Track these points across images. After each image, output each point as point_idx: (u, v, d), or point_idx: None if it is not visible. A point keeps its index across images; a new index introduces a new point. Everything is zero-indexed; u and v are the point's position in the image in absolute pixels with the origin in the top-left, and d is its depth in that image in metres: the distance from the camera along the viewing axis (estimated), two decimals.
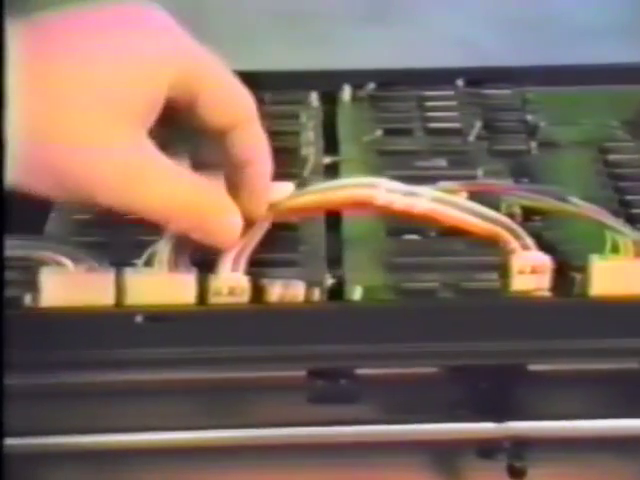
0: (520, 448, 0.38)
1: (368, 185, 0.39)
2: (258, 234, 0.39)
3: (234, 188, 0.37)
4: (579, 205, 0.40)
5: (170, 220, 0.36)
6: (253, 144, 0.37)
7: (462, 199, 0.39)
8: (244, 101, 0.37)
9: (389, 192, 0.39)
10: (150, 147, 0.35)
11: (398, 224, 0.41)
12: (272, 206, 0.39)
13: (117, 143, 0.34)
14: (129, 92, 0.34)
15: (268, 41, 0.38)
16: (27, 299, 0.37)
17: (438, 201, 0.39)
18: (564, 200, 0.40)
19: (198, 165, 0.37)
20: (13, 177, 0.33)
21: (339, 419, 0.38)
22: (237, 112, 0.36)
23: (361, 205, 0.39)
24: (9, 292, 0.37)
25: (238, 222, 0.37)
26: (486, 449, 0.38)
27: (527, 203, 0.41)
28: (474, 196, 0.40)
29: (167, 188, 0.35)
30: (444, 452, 0.39)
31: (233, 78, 0.36)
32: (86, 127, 0.34)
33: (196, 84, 0.35)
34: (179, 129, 0.37)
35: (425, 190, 0.39)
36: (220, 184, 0.37)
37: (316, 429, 0.38)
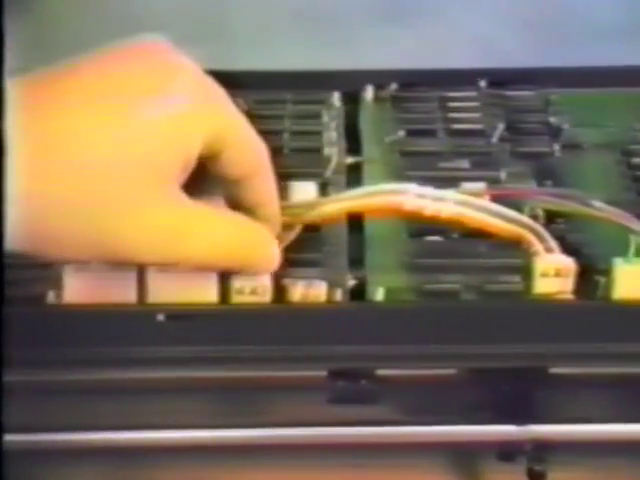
0: (540, 451, 0.38)
1: (397, 192, 0.39)
2: (286, 239, 0.39)
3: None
4: (602, 209, 0.40)
5: (217, 265, 0.36)
6: (266, 189, 0.38)
7: (486, 201, 0.39)
8: (260, 151, 0.37)
9: (418, 198, 0.39)
10: (186, 201, 0.35)
11: (420, 225, 0.41)
12: (298, 215, 0.39)
13: (156, 205, 0.34)
14: (163, 151, 0.33)
15: (290, 41, 0.38)
16: (50, 296, 0.38)
17: (464, 204, 0.39)
18: (587, 204, 0.40)
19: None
20: (43, 248, 0.33)
21: (359, 420, 0.38)
22: (255, 163, 0.37)
23: (390, 212, 0.39)
24: (33, 289, 0.38)
25: (277, 252, 0.37)
26: (506, 452, 0.38)
27: (550, 207, 0.40)
28: (497, 200, 0.40)
29: (210, 237, 0.35)
30: (464, 454, 0.39)
31: (250, 129, 0.37)
32: (122, 192, 0.33)
33: (222, 141, 0.35)
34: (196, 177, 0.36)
35: (451, 194, 0.39)
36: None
37: (336, 429, 0.38)
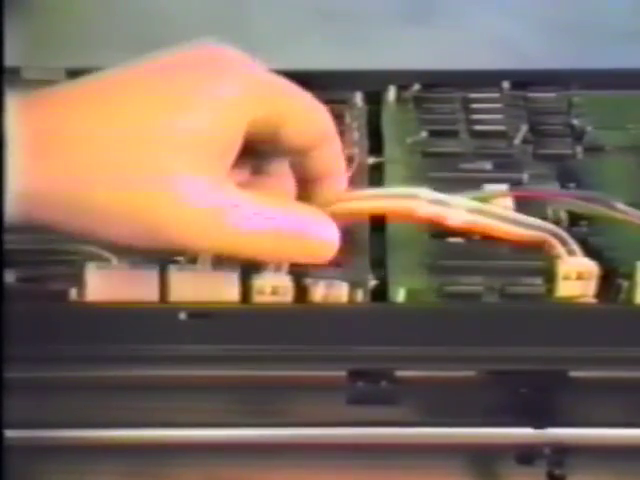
0: (560, 455, 0.38)
1: (410, 196, 0.38)
2: None
3: (306, 199, 0.37)
4: (625, 211, 0.39)
5: (274, 253, 0.36)
6: (332, 159, 0.37)
7: (500, 208, 0.39)
8: (324, 121, 0.37)
9: (430, 204, 0.38)
10: (234, 188, 0.34)
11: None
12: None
13: (203, 190, 0.34)
14: (207, 140, 0.34)
15: (313, 41, 0.38)
16: (73, 293, 0.38)
17: (475, 212, 0.39)
18: (611, 206, 0.39)
19: (261, 178, 0.37)
20: (90, 227, 0.33)
21: (378, 420, 0.38)
22: (318, 134, 0.36)
23: (402, 216, 0.39)
24: (55, 286, 0.38)
25: (337, 234, 0.36)
26: (526, 455, 0.38)
27: (573, 209, 0.40)
28: (520, 202, 0.40)
29: (262, 225, 0.35)
30: (483, 457, 0.39)
31: (311, 100, 0.36)
32: (171, 178, 0.33)
33: (277, 118, 0.35)
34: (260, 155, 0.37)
35: (464, 201, 0.39)
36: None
37: (354, 430, 0.38)
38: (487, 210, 0.39)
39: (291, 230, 0.35)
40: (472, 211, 0.39)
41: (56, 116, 0.33)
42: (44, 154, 0.32)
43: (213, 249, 0.35)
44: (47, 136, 0.33)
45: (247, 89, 0.34)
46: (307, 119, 0.36)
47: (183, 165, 0.33)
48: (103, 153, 0.33)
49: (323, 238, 0.36)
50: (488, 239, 0.40)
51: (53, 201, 0.33)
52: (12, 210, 0.32)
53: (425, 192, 0.38)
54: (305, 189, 0.38)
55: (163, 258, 0.38)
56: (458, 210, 0.38)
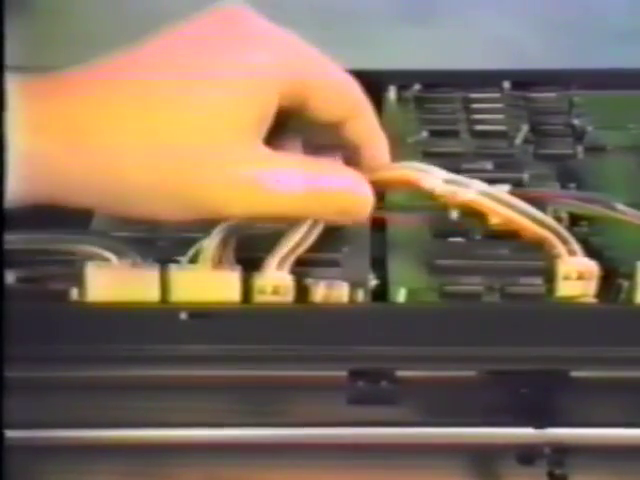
0: (561, 455, 0.38)
1: (419, 169, 0.39)
2: (312, 236, 0.39)
3: (352, 166, 0.38)
4: (627, 212, 0.39)
5: (312, 213, 0.36)
6: (366, 131, 0.38)
7: (512, 197, 0.39)
8: (353, 93, 0.37)
9: (436, 178, 0.38)
10: (269, 153, 0.35)
11: (443, 226, 0.41)
12: None
13: (238, 158, 0.34)
14: (241, 107, 0.34)
15: (313, 40, 0.38)
16: (73, 293, 0.38)
17: (484, 195, 0.39)
18: (611, 207, 0.39)
19: (312, 149, 0.38)
20: (132, 206, 0.34)
21: (378, 420, 0.38)
22: (348, 105, 0.37)
23: (407, 185, 0.39)
24: (56, 286, 0.38)
25: (371, 192, 0.37)
26: (526, 455, 0.38)
27: (574, 209, 0.40)
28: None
29: (299, 186, 0.35)
30: (483, 456, 0.39)
31: (340, 71, 0.37)
32: (207, 148, 0.34)
33: (305, 88, 0.36)
34: (290, 124, 0.37)
35: (476, 182, 0.39)
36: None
37: (355, 430, 0.38)
38: (496, 195, 0.39)
39: (327, 189, 0.36)
40: (479, 193, 0.39)
41: (86, 97, 0.33)
42: (76, 137, 0.33)
43: (254, 213, 0.35)
44: (79, 118, 0.33)
45: (276, 55, 0.35)
46: (334, 90, 0.36)
47: (222, 133, 0.34)
48: (140, 131, 0.33)
49: (358, 195, 0.36)
50: (495, 234, 0.40)
51: (90, 185, 0.33)
52: (41, 194, 0.33)
53: (435, 169, 0.39)
54: (348, 159, 0.38)
55: (163, 258, 0.38)
56: (466, 189, 0.38)
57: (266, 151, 0.35)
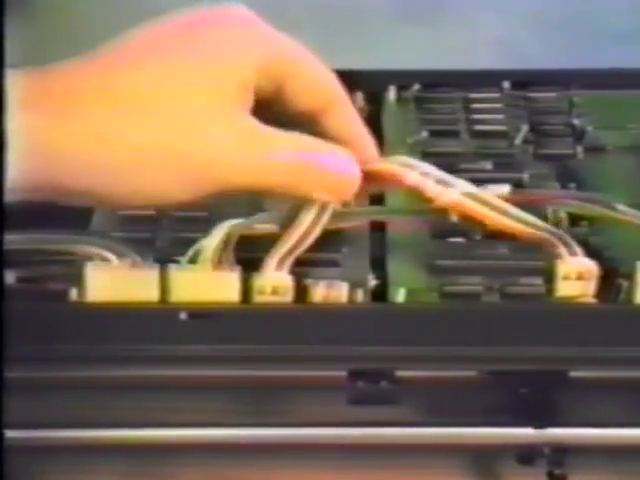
0: (560, 455, 0.38)
1: (404, 164, 0.38)
2: (311, 236, 0.39)
3: None
4: (626, 212, 0.39)
5: (298, 184, 0.36)
6: (347, 127, 0.38)
7: (500, 200, 0.39)
8: (332, 87, 0.38)
9: (422, 175, 0.38)
10: (256, 122, 0.36)
11: (443, 226, 0.41)
12: None
13: (226, 124, 0.35)
14: (220, 79, 0.35)
15: (313, 40, 0.38)
16: (73, 293, 0.38)
17: (469, 197, 0.38)
18: (611, 207, 0.39)
19: None
20: (142, 183, 0.35)
21: (378, 420, 0.38)
22: (325, 95, 0.37)
23: (392, 181, 0.38)
24: (56, 286, 0.38)
25: (357, 170, 0.37)
26: (526, 455, 0.38)
27: (574, 210, 0.40)
28: (521, 205, 0.39)
29: (287, 150, 0.36)
30: (483, 457, 0.39)
31: (318, 62, 0.37)
32: (190, 115, 0.35)
33: (281, 71, 0.36)
34: (274, 122, 0.37)
35: (460, 183, 0.38)
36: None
37: (355, 430, 0.38)
38: (484, 198, 0.38)
39: (315, 163, 0.36)
40: (464, 194, 0.38)
41: (79, 76, 0.35)
42: (69, 110, 0.34)
43: (244, 181, 0.36)
44: (72, 92, 0.34)
45: (250, 38, 0.36)
46: (311, 77, 0.37)
47: (204, 99, 0.35)
48: (130, 101, 0.34)
49: (344, 172, 0.37)
50: (491, 233, 0.39)
51: (85, 158, 0.34)
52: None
53: (422, 164, 0.38)
54: None
55: (163, 258, 0.38)
56: (450, 189, 0.38)
57: (253, 121, 0.36)
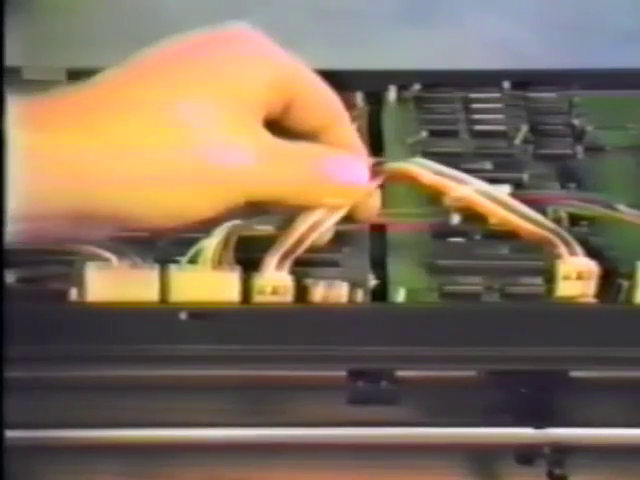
0: (560, 455, 0.38)
1: (418, 164, 0.39)
2: (311, 237, 0.39)
3: None
4: (627, 213, 0.39)
5: (310, 190, 0.37)
6: (346, 142, 0.39)
7: (509, 198, 0.39)
8: (334, 104, 0.38)
9: (436, 174, 0.39)
10: (271, 136, 0.37)
11: (443, 226, 0.41)
12: None
13: (245, 136, 0.36)
14: (237, 94, 0.36)
15: (313, 40, 0.38)
16: (73, 293, 0.38)
17: (482, 194, 0.39)
18: (612, 208, 0.39)
19: None
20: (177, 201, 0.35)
21: (378, 420, 0.38)
22: (329, 114, 0.38)
23: (405, 178, 0.39)
24: (56, 286, 0.38)
25: (366, 176, 0.38)
26: (526, 455, 0.38)
27: (574, 210, 0.40)
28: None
29: (303, 159, 0.37)
30: (483, 457, 0.39)
31: (322, 83, 0.38)
32: (217, 130, 0.35)
33: (290, 88, 0.37)
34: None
35: (473, 180, 0.39)
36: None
37: (354, 430, 0.38)
38: (493, 194, 0.39)
39: (327, 170, 0.37)
40: (478, 191, 0.39)
41: (91, 95, 0.35)
42: (84, 128, 0.34)
43: (265, 192, 0.37)
44: (84, 110, 0.34)
45: (262, 56, 0.37)
46: (317, 96, 0.38)
47: (226, 114, 0.36)
48: (144, 123, 0.35)
49: (355, 177, 0.38)
50: (491, 233, 0.40)
51: (105, 175, 0.34)
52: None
53: (431, 164, 0.39)
54: None
55: (163, 258, 0.38)
56: (464, 186, 0.39)
57: (268, 134, 0.36)
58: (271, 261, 0.38)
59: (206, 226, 0.38)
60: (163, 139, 0.34)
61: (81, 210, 0.34)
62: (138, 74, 0.35)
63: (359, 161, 0.38)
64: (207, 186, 0.35)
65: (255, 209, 0.38)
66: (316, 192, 0.37)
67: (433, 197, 0.40)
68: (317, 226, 0.38)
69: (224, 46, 0.37)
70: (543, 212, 0.40)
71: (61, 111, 0.34)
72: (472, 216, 0.39)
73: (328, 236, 0.39)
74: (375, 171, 0.39)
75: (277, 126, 0.37)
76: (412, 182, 0.39)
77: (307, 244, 0.38)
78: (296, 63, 0.38)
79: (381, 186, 0.41)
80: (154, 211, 0.35)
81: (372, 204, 0.39)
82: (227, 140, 0.35)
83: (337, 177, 0.37)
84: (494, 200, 0.38)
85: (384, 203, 0.41)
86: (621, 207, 0.40)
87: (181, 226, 0.36)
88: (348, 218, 0.39)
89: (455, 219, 0.40)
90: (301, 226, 0.38)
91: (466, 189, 0.38)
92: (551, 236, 0.39)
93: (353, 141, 0.39)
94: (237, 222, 0.38)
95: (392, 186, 0.42)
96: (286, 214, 0.38)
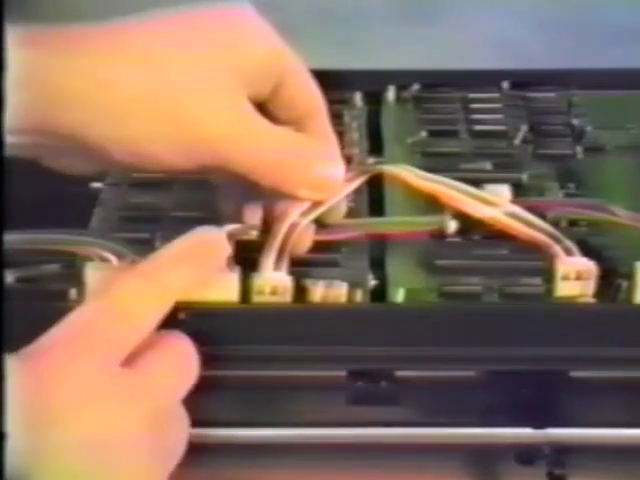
0: (560, 455, 0.38)
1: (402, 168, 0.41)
2: (308, 238, 0.39)
3: None
4: (626, 217, 0.39)
5: (283, 177, 0.38)
6: (324, 135, 0.39)
7: (527, 213, 0.40)
8: (317, 95, 0.40)
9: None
10: (256, 112, 0.37)
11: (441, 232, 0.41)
12: None
13: (228, 103, 0.37)
14: (228, 63, 0.37)
15: (312, 40, 0.38)
16: (72, 293, 0.38)
17: (511, 216, 0.39)
18: (612, 213, 0.39)
19: None
20: (152, 150, 0.36)
21: (378, 420, 0.38)
22: (312, 104, 0.39)
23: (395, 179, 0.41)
24: (55, 286, 0.38)
25: (342, 171, 0.39)
26: (526, 455, 0.38)
27: (574, 217, 0.40)
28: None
29: (281, 143, 0.38)
30: (483, 456, 0.39)
31: (309, 77, 0.39)
32: (202, 90, 0.36)
33: (281, 71, 0.38)
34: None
35: (460, 185, 0.40)
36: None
37: (354, 430, 0.38)
38: (525, 217, 0.39)
39: (302, 160, 0.38)
40: (510, 215, 0.39)
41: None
42: (76, 48, 0.35)
43: (235, 159, 0.37)
44: (79, 34, 0.36)
45: (255, 34, 0.38)
46: (304, 82, 0.39)
47: (215, 80, 0.37)
48: (139, 58, 0.36)
49: (331, 172, 0.39)
50: (490, 233, 0.40)
51: (89, 98, 0.35)
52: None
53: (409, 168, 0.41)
54: None
55: None
56: (436, 184, 0.40)
57: (253, 109, 0.37)
58: (266, 261, 0.38)
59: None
60: (145, 79, 0.35)
61: (51, 127, 0.35)
62: (136, 25, 0.37)
63: (336, 157, 0.39)
64: (179, 133, 0.36)
65: (233, 181, 0.39)
66: (292, 179, 0.38)
67: (431, 204, 0.40)
68: (294, 228, 0.38)
69: (223, 18, 0.37)
70: (542, 215, 0.40)
71: (54, 36, 0.35)
72: (470, 223, 0.40)
73: (307, 245, 0.39)
74: (349, 175, 0.40)
75: (262, 112, 0.38)
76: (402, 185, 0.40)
77: (290, 246, 0.38)
78: (288, 49, 0.38)
79: (379, 194, 0.41)
80: (120, 146, 0.36)
81: (341, 207, 0.40)
82: (208, 101, 0.36)
83: (315, 168, 0.38)
84: (523, 221, 0.39)
85: (383, 212, 0.42)
86: (621, 212, 0.40)
87: (146, 171, 0.38)
88: (317, 221, 0.39)
89: (452, 226, 0.40)
90: (281, 229, 0.38)
91: (495, 212, 0.39)
92: (548, 238, 0.39)
93: (330, 135, 0.40)
94: (235, 226, 0.38)
95: (391, 194, 0.43)
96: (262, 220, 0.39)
